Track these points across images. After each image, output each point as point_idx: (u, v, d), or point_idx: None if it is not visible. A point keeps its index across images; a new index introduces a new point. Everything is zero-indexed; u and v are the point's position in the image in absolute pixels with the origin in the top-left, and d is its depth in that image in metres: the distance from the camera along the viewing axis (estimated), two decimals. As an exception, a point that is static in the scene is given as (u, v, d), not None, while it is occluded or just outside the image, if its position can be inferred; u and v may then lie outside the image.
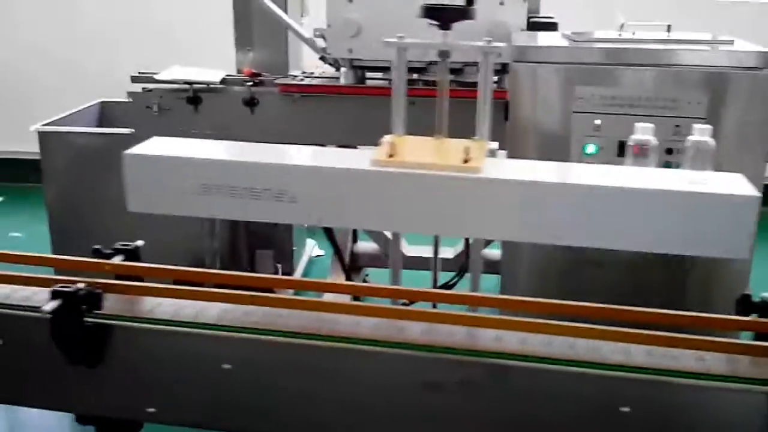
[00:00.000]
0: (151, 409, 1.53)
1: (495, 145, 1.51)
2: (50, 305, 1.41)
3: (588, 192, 1.31)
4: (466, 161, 1.37)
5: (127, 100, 4.42)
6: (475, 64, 3.30)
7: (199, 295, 1.53)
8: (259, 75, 3.48)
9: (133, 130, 3.52)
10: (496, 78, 3.45)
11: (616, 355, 1.35)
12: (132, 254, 1.67)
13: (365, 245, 4.10)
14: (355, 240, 4.17)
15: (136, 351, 1.52)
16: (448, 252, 4.00)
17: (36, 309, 1.52)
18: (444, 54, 1.75)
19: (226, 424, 1.56)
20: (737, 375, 1.29)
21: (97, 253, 1.67)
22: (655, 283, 2.36)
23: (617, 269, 2.35)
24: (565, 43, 2.43)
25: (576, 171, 1.58)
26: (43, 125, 3.81)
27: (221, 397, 1.51)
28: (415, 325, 1.45)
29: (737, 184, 1.32)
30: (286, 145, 1.52)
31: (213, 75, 3.49)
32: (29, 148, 6.10)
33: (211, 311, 1.54)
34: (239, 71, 3.66)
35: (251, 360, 1.49)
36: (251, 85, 3.43)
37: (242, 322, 1.51)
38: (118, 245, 1.68)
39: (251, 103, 3.43)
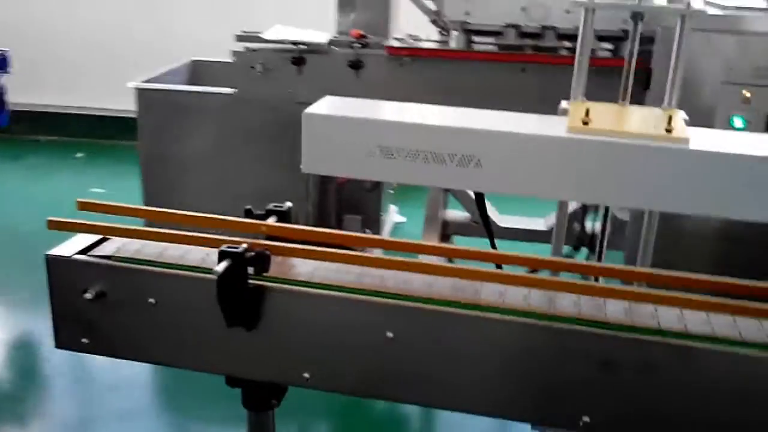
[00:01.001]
0: (306, 375, 1.50)
1: (684, 115, 1.41)
2: (221, 266, 1.37)
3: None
4: (668, 131, 1.28)
5: (223, 60, 4.41)
6: (552, 28, 3.16)
7: (359, 261, 1.48)
8: (365, 37, 3.40)
9: (236, 90, 3.51)
10: (611, 46, 3.32)
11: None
12: (284, 216, 1.63)
13: (455, 213, 4.03)
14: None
15: (294, 314, 1.48)
16: (538, 224, 3.92)
17: (201, 270, 1.50)
18: (637, 16, 1.63)
19: (384, 393, 1.52)
20: None
21: (248, 214, 1.63)
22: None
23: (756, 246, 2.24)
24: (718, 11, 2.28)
25: (754, 139, 1.47)
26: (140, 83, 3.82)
27: (381, 366, 1.46)
28: (566, 296, 1.40)
29: None
30: (467, 109, 1.43)
31: (319, 36, 3.42)
32: (108, 104, 6.20)
33: (372, 277, 1.49)
34: (340, 33, 3.59)
35: (414, 328, 1.43)
36: (359, 47, 3.36)
37: (403, 290, 1.46)
38: (270, 206, 1.64)
39: (357, 65, 3.35)
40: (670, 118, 1.30)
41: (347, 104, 1.46)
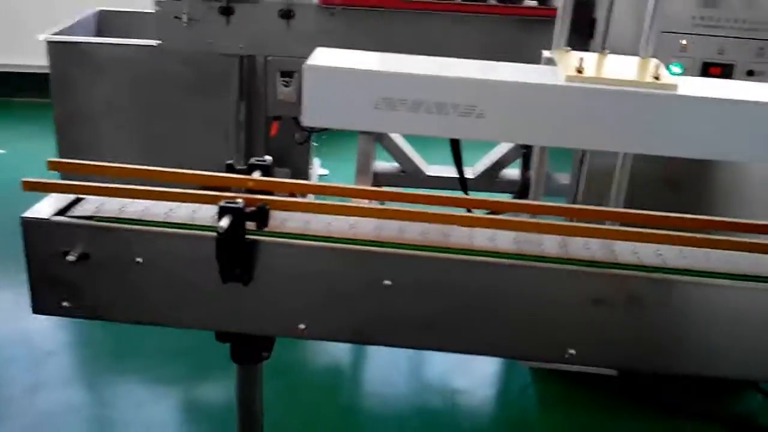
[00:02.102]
0: (302, 326, 1.52)
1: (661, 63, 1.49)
2: (224, 222, 1.36)
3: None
4: (657, 78, 1.35)
5: (134, 10, 4.22)
6: None
7: (355, 211, 1.50)
8: (295, -14, 3.33)
9: (160, 41, 3.37)
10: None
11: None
12: (268, 170, 1.62)
13: (385, 165, 4.07)
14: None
15: (290, 267, 1.49)
16: (466, 172, 4.02)
17: (191, 227, 1.48)
18: None
19: (380, 339, 1.56)
20: None
21: (230, 169, 1.61)
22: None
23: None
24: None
25: (724, 85, 1.58)
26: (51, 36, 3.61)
27: (379, 314, 1.50)
28: (550, 238, 1.50)
29: None
30: (467, 60, 1.46)
31: (247, -16, 3.32)
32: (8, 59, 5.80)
33: (366, 227, 1.52)
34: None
35: (411, 276, 1.47)
36: (290, -3, 3.29)
37: (398, 238, 1.49)
38: (253, 161, 1.62)
39: (288, 15, 3.29)
40: (655, 67, 1.38)
41: (345, 56, 1.45)
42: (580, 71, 1.36)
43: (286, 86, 3.40)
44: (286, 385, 2.83)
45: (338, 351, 3.12)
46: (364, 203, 1.58)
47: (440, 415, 2.78)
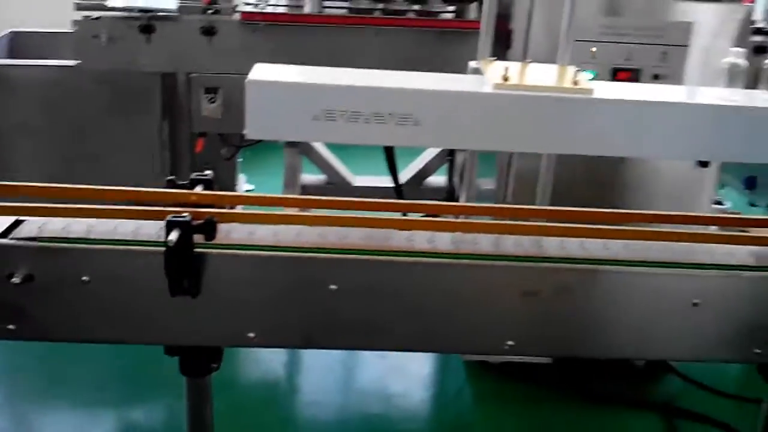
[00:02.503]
0: (251, 334, 1.56)
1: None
2: (173, 236, 1.39)
3: (689, 109, 1.45)
4: (575, 83, 1.47)
5: (49, 30, 4.15)
6: None
7: (299, 220, 1.56)
8: (216, 2, 3.36)
9: (78, 61, 3.34)
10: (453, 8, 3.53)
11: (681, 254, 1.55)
12: (209, 183, 1.66)
13: (312, 177, 4.12)
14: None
15: (237, 277, 1.53)
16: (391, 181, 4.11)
17: (137, 243, 1.50)
18: None
19: (328, 342, 1.62)
20: None
21: (172, 185, 1.64)
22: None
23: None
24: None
25: (671, 91, 1.72)
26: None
27: (326, 318, 1.55)
28: (484, 237, 1.59)
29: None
30: (403, 72, 1.53)
31: (167, 2, 3.33)
32: None
33: (310, 234, 1.57)
34: (187, -1, 3.52)
35: (355, 279, 1.53)
36: (210, 13, 3.31)
37: (342, 244, 1.56)
38: (193, 176, 1.66)
39: (209, 31, 3.31)
40: (573, 74, 1.50)
41: (284, 71, 1.51)
42: (506, 79, 1.47)
43: (210, 102, 3.42)
44: (225, 403, 2.83)
45: (273, 363, 3.14)
46: (306, 212, 1.63)
47: (378, 419, 2.85)
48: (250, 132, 1.46)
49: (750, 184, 4.01)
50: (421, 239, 1.58)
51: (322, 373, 3.09)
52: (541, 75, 1.55)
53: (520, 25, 2.31)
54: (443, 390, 3.08)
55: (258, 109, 1.43)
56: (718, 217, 1.79)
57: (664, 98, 1.49)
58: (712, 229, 2.02)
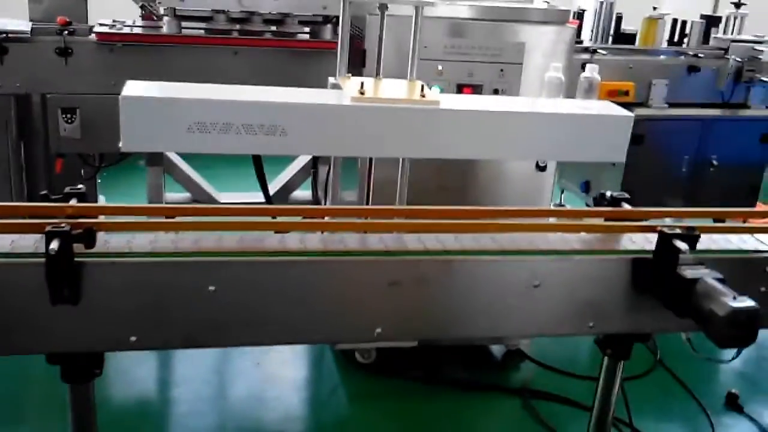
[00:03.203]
0: (133, 338, 1.62)
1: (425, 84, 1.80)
2: (54, 245, 1.44)
3: (521, 117, 1.68)
4: (423, 96, 1.66)
5: None
6: (297, 15, 3.53)
7: (175, 226, 1.65)
8: (71, 23, 3.35)
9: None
10: (308, 29, 3.70)
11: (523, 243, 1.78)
12: (83, 196, 1.73)
13: (176, 195, 4.15)
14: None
15: (118, 284, 1.59)
16: (258, 197, 4.21)
17: (13, 255, 1.54)
18: (383, 7, 1.96)
19: (208, 341, 1.71)
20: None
21: (46, 198, 1.69)
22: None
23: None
24: None
25: (508, 101, 1.93)
26: None
27: (206, 318, 1.65)
28: (350, 236, 1.74)
29: (613, 108, 1.79)
30: (270, 87, 1.66)
31: (20, 24, 3.28)
32: None
33: (186, 240, 1.67)
34: (41, 20, 3.48)
35: (233, 280, 1.64)
36: (66, 34, 3.29)
37: (218, 248, 1.66)
38: (67, 190, 1.72)
39: (65, 52, 3.30)
40: (421, 87, 1.69)
41: (156, 87, 1.60)
42: (362, 93, 1.63)
43: (68, 123, 3.38)
44: (102, 421, 2.81)
45: (147, 378, 3.15)
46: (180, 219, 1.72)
47: (256, 426, 2.92)
48: (126, 145, 1.54)
49: (586, 187, 4.45)
50: (292, 240, 1.72)
51: (197, 384, 3.13)
52: (393, 89, 1.73)
53: (371, 45, 2.50)
54: (318, 392, 3.21)
55: (133, 123, 1.52)
56: (553, 210, 2.04)
57: (499, 108, 1.71)
58: (551, 221, 2.28)
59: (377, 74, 1.96)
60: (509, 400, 3.14)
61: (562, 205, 4.72)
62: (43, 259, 1.48)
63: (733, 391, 3.20)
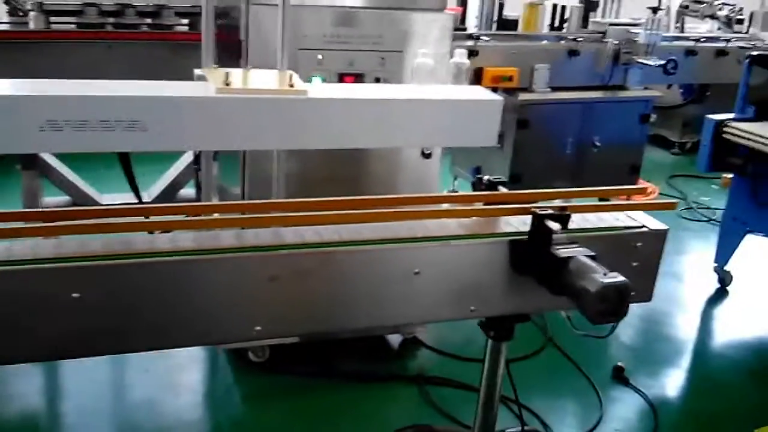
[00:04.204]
0: (-6, 352, 1.52)
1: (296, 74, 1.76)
2: None
3: (391, 104, 1.66)
4: (291, 86, 1.62)
5: None
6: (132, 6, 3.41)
7: (30, 232, 1.56)
8: (-75, 21, 3.13)
9: None
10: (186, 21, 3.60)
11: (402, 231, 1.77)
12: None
13: (55, 199, 3.95)
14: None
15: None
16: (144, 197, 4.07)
17: None
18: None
19: (77, 352, 1.63)
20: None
21: None
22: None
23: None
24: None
25: (379, 89, 1.91)
26: None
27: (74, 326, 1.56)
28: (224, 233, 1.69)
29: (484, 93, 1.80)
30: (126, 81, 1.57)
31: None
32: None
33: (46, 246, 1.58)
34: None
35: (98, 285, 1.56)
36: None
37: (82, 252, 1.58)
38: None
39: None
40: (290, 77, 1.65)
41: (5, 84, 1.49)
42: (228, 84, 1.58)
43: (-71, 127, 3.16)
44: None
45: (32, 392, 3.00)
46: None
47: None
48: (-28, 147, 1.44)
49: (477, 172, 4.52)
50: (162, 240, 1.65)
51: (84, 396, 3.00)
52: (261, 79, 1.68)
53: (244, 35, 2.44)
54: (212, 394, 3.13)
55: (-24, 123, 1.41)
56: (434, 197, 2.04)
57: (368, 95, 1.70)
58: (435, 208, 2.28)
59: (246, 65, 1.91)
60: (406, 389, 3.15)
61: (456, 191, 4.78)
62: None
63: (620, 364, 3.33)
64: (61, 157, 3.72)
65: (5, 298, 1.50)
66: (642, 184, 5.01)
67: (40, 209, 2.61)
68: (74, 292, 1.53)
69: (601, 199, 3.11)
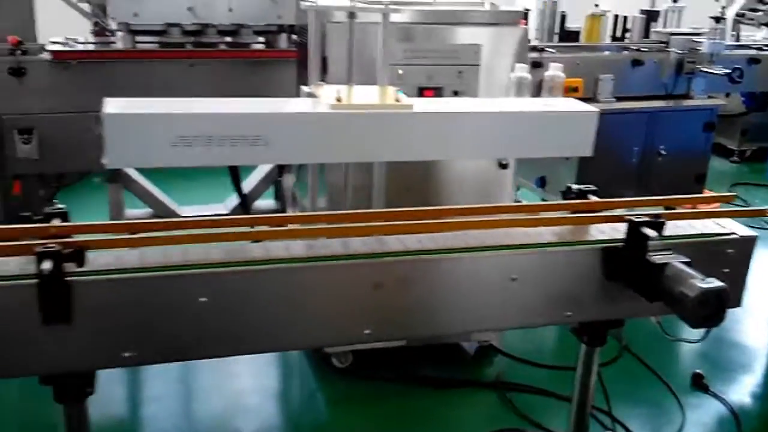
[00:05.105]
0: (127, 354, 1.63)
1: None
2: (47, 266, 1.44)
3: (492, 117, 1.74)
4: (397, 101, 1.70)
5: None
6: (213, 26, 3.53)
7: (162, 241, 1.66)
8: (22, 43, 3.30)
9: None
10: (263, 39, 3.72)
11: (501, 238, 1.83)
12: (65, 215, 1.73)
13: (137, 211, 4.10)
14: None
15: (110, 300, 1.59)
16: (219, 208, 4.20)
17: (14, 277, 1.53)
18: (352, 15, 1.99)
19: (202, 352, 1.72)
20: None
21: (29, 220, 1.69)
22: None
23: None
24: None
25: (477, 103, 1.99)
26: None
27: (198, 329, 1.66)
28: (334, 241, 1.77)
29: (579, 105, 1.86)
30: (247, 98, 1.68)
31: (-30, 44, 3.23)
32: None
33: (175, 253, 1.68)
34: None
35: (223, 290, 1.66)
36: (18, 54, 3.25)
37: (206, 259, 1.68)
38: (48, 210, 1.72)
39: (18, 72, 3.25)
40: (392, 92, 1.74)
41: (138, 103, 1.61)
42: (339, 100, 1.67)
43: (25, 144, 3.34)
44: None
45: (117, 399, 3.12)
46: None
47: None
48: (110, 162, 1.55)
49: (542, 183, 4.57)
50: (277, 247, 1.73)
51: (169, 400, 3.11)
52: (366, 95, 1.77)
53: (334, 53, 2.53)
54: (296, 399, 3.23)
55: (116, 140, 1.53)
56: (525, 206, 2.10)
57: (470, 109, 1.77)
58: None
59: (348, 81, 2.00)
60: (485, 394, 3.20)
61: (519, 201, 4.82)
62: (32, 281, 1.48)
63: (698, 371, 3.33)
64: (140, 170, 3.88)
65: (139, 302, 1.61)
66: (709, 194, 4.98)
67: (149, 220, 2.72)
68: (201, 297, 1.63)
69: (667, 208, 3.13)
